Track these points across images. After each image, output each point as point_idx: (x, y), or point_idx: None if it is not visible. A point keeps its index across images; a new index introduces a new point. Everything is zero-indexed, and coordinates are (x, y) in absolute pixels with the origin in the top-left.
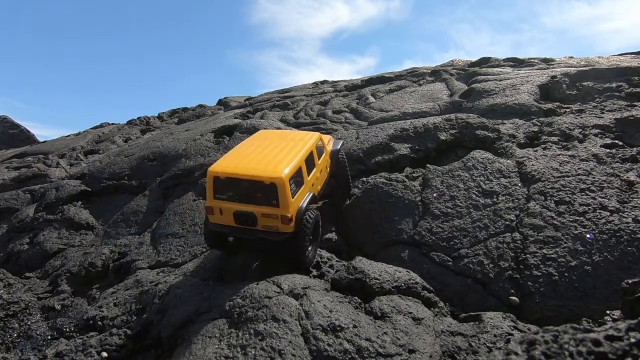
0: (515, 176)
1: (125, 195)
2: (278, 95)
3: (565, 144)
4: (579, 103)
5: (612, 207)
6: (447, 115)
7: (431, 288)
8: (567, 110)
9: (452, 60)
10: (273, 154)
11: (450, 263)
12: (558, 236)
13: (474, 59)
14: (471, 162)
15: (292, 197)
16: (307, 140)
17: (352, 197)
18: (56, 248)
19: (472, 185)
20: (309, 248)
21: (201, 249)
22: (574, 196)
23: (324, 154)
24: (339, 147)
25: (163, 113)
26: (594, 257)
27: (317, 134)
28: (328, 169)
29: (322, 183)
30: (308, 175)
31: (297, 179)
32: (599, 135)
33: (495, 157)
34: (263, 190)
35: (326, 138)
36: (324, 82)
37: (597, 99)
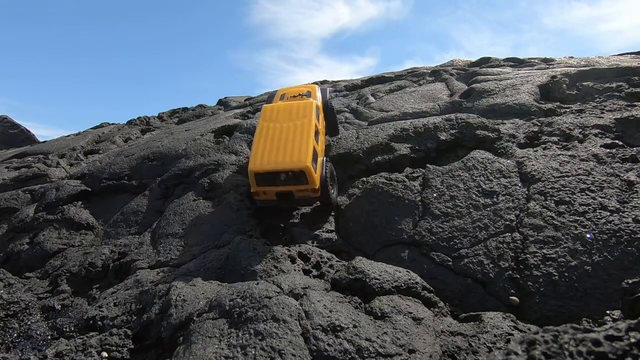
0: (515, 176)
1: (125, 195)
2: None
3: (565, 144)
4: (579, 103)
5: (612, 207)
6: (447, 115)
7: (431, 288)
8: (567, 110)
9: (452, 60)
10: (290, 138)
11: (450, 263)
12: (558, 236)
13: (474, 59)
14: (471, 162)
15: (316, 173)
16: (308, 114)
17: (352, 197)
18: (56, 248)
19: (472, 185)
20: (332, 192)
21: (201, 248)
22: (574, 196)
23: (320, 114)
24: (327, 96)
25: (163, 113)
26: (594, 257)
27: (311, 101)
28: (324, 121)
29: (324, 138)
30: (318, 145)
31: (314, 156)
32: (599, 135)
33: (495, 157)
34: (295, 175)
35: (315, 92)
36: (324, 82)
37: (597, 99)
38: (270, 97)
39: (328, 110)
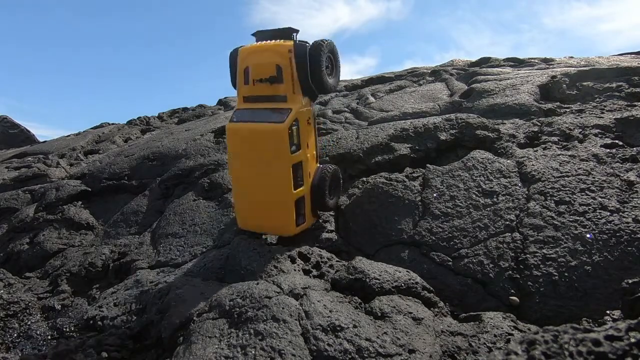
0: (515, 176)
1: (125, 195)
2: None
3: (565, 144)
4: (579, 103)
5: (612, 207)
6: (447, 115)
7: (431, 288)
8: (567, 110)
9: (452, 60)
10: (270, 192)
11: (450, 263)
12: (558, 236)
13: (474, 59)
14: (471, 162)
15: (304, 222)
16: (283, 151)
17: (352, 197)
18: (56, 248)
19: (472, 185)
20: (330, 202)
21: (201, 248)
22: (574, 196)
23: (301, 122)
24: (307, 53)
25: (163, 113)
26: (594, 257)
27: (281, 129)
28: (313, 127)
29: (314, 125)
30: (301, 169)
31: (298, 200)
32: (599, 135)
33: (495, 157)
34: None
35: (287, 68)
36: None
37: (597, 99)
38: (232, 64)
39: (312, 69)
